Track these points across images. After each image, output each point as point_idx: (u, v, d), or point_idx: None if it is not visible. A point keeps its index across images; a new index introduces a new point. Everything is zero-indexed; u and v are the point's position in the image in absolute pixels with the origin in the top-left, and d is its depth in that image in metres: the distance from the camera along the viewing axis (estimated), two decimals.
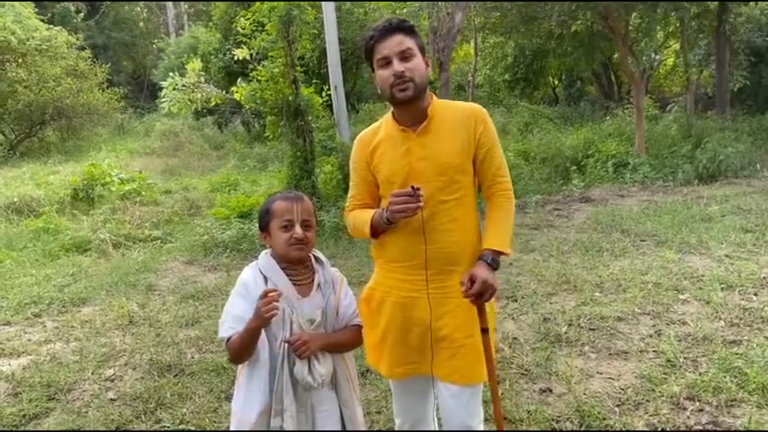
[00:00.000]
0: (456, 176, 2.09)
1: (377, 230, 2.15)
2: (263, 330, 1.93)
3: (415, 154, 2.10)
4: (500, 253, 2.07)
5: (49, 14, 21.33)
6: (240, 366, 2.05)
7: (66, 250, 7.25)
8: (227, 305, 2.00)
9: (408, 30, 2.07)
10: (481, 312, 2.05)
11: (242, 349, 1.94)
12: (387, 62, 2.04)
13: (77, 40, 18.26)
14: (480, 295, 1.97)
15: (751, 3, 13.22)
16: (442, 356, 2.15)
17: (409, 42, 2.05)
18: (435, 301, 2.12)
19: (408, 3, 7.95)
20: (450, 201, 2.10)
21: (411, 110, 2.11)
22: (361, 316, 2.19)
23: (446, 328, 2.12)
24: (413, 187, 1.96)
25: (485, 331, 2.06)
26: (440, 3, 8.16)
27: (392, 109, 2.19)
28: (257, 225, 2.16)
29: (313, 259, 2.11)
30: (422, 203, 1.98)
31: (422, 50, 2.10)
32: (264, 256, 2.07)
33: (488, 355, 2.07)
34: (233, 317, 1.96)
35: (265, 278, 2.02)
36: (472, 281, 1.97)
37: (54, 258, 6.99)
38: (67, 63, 17.29)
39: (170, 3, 32.30)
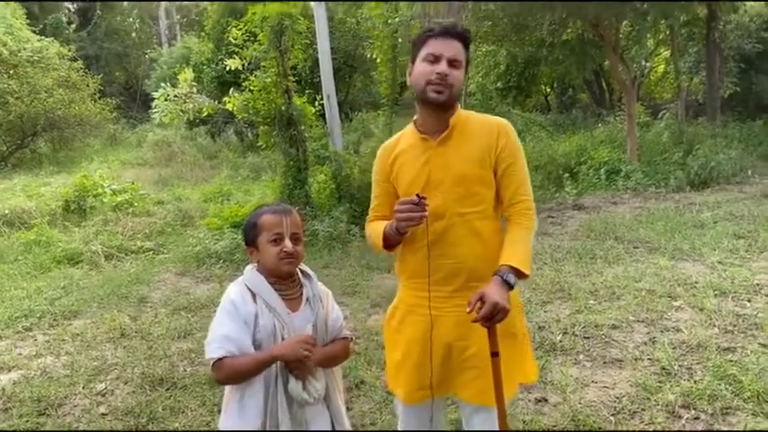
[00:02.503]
0: (474, 188, 2.03)
1: (389, 242, 2.09)
2: (251, 346, 1.89)
3: (434, 163, 2.05)
4: (519, 272, 1.94)
5: (41, 26, 21.29)
6: (227, 391, 1.99)
7: (58, 262, 7.20)
8: (214, 324, 1.93)
9: (466, 43, 2.04)
10: (492, 335, 1.92)
11: (243, 375, 1.89)
12: (434, 60, 1.99)
13: (69, 51, 18.20)
14: (489, 318, 1.84)
15: (740, 10, 13.33)
16: (468, 376, 2.07)
17: (462, 54, 2.02)
18: (460, 318, 2.03)
19: (400, 12, 7.97)
20: (469, 213, 2.03)
21: (436, 116, 2.06)
22: (383, 336, 2.15)
23: (473, 346, 2.04)
24: (417, 195, 1.91)
25: (494, 355, 1.93)
26: (431, 12, 8.19)
27: (415, 117, 2.14)
28: (243, 240, 2.12)
29: (300, 273, 2.07)
30: (426, 213, 1.91)
31: (466, 63, 2.07)
32: (251, 272, 2.02)
33: (497, 379, 1.94)
34: (221, 337, 1.88)
35: (253, 294, 1.97)
36: (482, 301, 1.85)
37: (45, 271, 6.94)
38: (59, 74, 17.21)
39: (162, 13, 32.33)
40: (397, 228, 1.99)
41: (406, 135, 2.17)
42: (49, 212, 9.18)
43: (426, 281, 2.07)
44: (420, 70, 2.03)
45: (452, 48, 1.99)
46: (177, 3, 34.20)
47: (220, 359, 1.86)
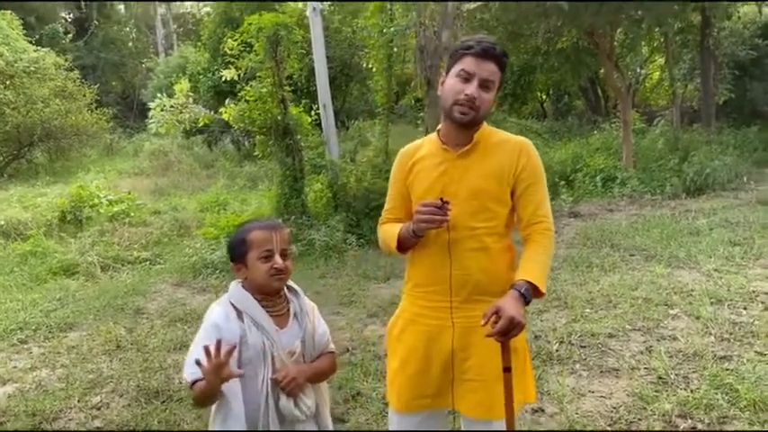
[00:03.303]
0: (488, 204, 2.02)
1: (404, 245, 2.09)
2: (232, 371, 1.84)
3: (451, 176, 2.05)
4: (536, 288, 1.91)
5: (38, 36, 21.31)
6: (214, 411, 1.97)
7: (54, 274, 7.18)
8: (194, 346, 1.88)
9: (502, 63, 2.01)
10: (505, 350, 1.89)
11: (208, 397, 1.86)
12: (467, 78, 1.97)
13: (66, 60, 18.22)
14: (505, 333, 1.81)
15: (734, 17, 13.42)
16: (466, 389, 2.06)
17: (496, 76, 1.99)
18: (461, 330, 2.03)
19: (396, 22, 8.01)
20: (480, 228, 2.02)
21: (460, 132, 2.05)
22: (386, 345, 2.14)
23: (472, 359, 2.03)
24: (441, 199, 1.91)
25: (507, 370, 1.90)
26: (426, 22, 8.23)
27: (439, 126, 2.14)
28: (228, 256, 2.07)
29: (286, 289, 2.06)
30: (448, 218, 1.91)
31: (500, 85, 2.05)
32: (237, 289, 1.99)
33: (509, 395, 1.91)
34: (196, 360, 1.83)
35: (239, 312, 1.94)
36: (498, 315, 1.81)
37: (41, 282, 6.91)
38: (56, 84, 17.22)
39: (159, 22, 32.42)
40: (415, 230, 1.99)
41: (428, 142, 2.16)
42: (45, 223, 9.15)
43: (430, 290, 2.08)
44: (451, 86, 2.01)
45: (487, 69, 1.97)
46: (174, 11, 34.33)
47: (195, 382, 1.84)
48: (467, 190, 2.02)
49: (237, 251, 1.99)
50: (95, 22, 28.44)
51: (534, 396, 2.24)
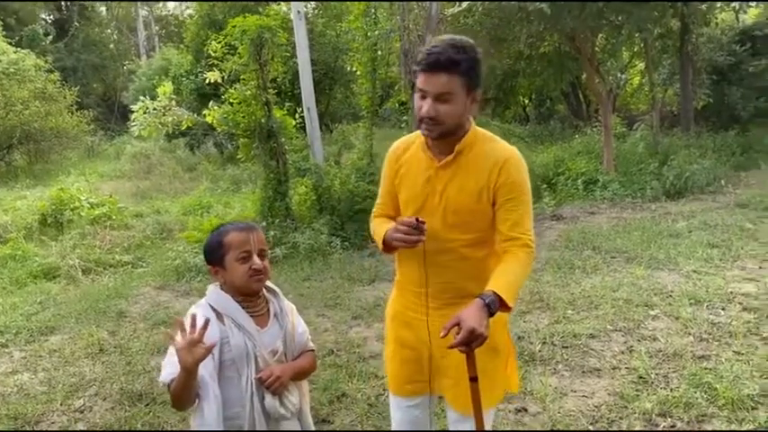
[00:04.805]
0: (468, 218, 2.01)
1: (387, 248, 2.09)
2: (206, 371, 1.84)
3: (433, 186, 2.04)
4: (502, 301, 1.85)
5: (17, 37, 21.05)
6: (191, 416, 1.96)
7: (34, 277, 7.10)
8: (171, 349, 1.84)
9: (456, 68, 1.87)
10: (471, 359, 1.86)
11: (180, 395, 1.83)
12: (423, 95, 1.91)
13: (46, 62, 18.04)
14: (466, 344, 1.78)
15: (712, 23, 13.63)
16: (449, 382, 2.13)
17: (453, 83, 1.87)
18: (438, 331, 2.02)
19: (380, 25, 8.03)
20: (458, 240, 2.03)
21: (438, 144, 2.02)
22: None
23: (449, 357, 2.05)
24: (417, 219, 1.90)
25: (473, 380, 1.88)
26: (411, 26, 8.28)
27: None
28: (205, 260, 2.05)
29: (265, 289, 2.08)
30: (423, 238, 1.91)
31: (468, 87, 1.91)
32: (216, 292, 2.00)
33: (477, 404, 1.91)
34: (174, 362, 1.81)
35: (218, 314, 1.95)
36: (459, 326, 1.78)
37: (21, 286, 6.83)
38: (36, 86, 17.02)
39: (141, 24, 32.19)
40: (390, 245, 2.00)
41: (417, 143, 2.12)
42: (25, 226, 9.04)
43: (411, 290, 2.16)
44: (414, 103, 1.99)
45: (438, 83, 1.87)
46: (156, 13, 34.09)
47: (171, 382, 1.83)
48: (447, 203, 2.02)
49: (214, 254, 1.99)
50: (76, 23, 28.16)
51: (517, 386, 2.28)
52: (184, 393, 1.83)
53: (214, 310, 1.96)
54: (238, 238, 1.97)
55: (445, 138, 1.98)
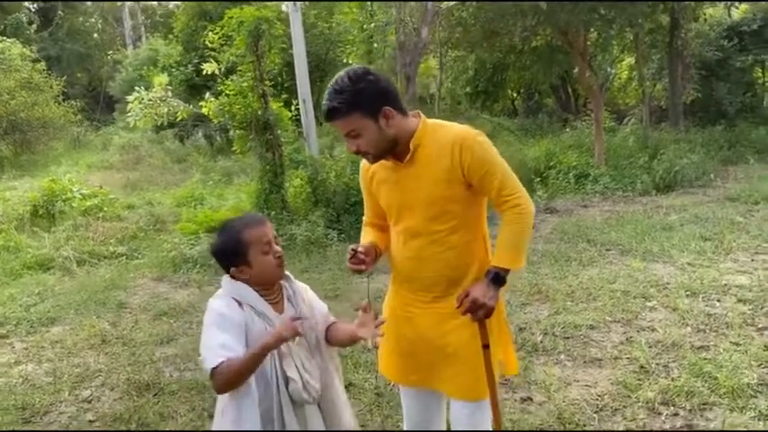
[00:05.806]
0: (447, 206, 2.08)
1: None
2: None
3: (404, 185, 2.12)
4: (506, 270, 2.07)
5: (2, 27, 20.75)
6: (222, 397, 1.99)
7: (29, 268, 7.04)
8: (205, 339, 1.90)
9: (340, 113, 1.97)
10: (482, 327, 2.08)
11: (242, 373, 1.86)
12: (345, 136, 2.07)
13: (31, 51, 17.80)
14: (471, 312, 2.03)
15: (700, 19, 13.79)
16: (449, 372, 2.18)
17: (349, 123, 1.99)
18: (438, 319, 2.16)
19: (376, 18, 8.04)
20: (443, 230, 2.10)
21: (393, 153, 2.10)
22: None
23: (451, 346, 2.15)
24: (353, 249, 2.07)
25: (485, 347, 2.09)
26: (406, 18, 8.29)
27: None
28: (225, 263, 2.04)
29: None
30: (363, 267, 2.07)
31: (369, 114, 1.98)
32: (233, 284, 2.02)
33: (489, 369, 2.10)
34: (217, 346, 1.85)
35: (239, 303, 1.98)
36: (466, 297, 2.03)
37: (16, 277, 6.78)
38: (22, 76, 16.81)
39: (126, 14, 31.79)
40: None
41: None
42: (16, 217, 8.95)
43: (406, 286, 2.23)
44: None
45: (339, 127, 2.03)
46: (142, 3, 33.70)
47: (219, 366, 1.83)
48: (423, 197, 2.08)
49: (237, 254, 2.00)
50: (60, 12, 27.78)
51: (516, 369, 2.48)
52: (248, 374, 1.87)
53: (236, 300, 1.99)
54: (256, 233, 2.00)
55: (388, 154, 2.09)
